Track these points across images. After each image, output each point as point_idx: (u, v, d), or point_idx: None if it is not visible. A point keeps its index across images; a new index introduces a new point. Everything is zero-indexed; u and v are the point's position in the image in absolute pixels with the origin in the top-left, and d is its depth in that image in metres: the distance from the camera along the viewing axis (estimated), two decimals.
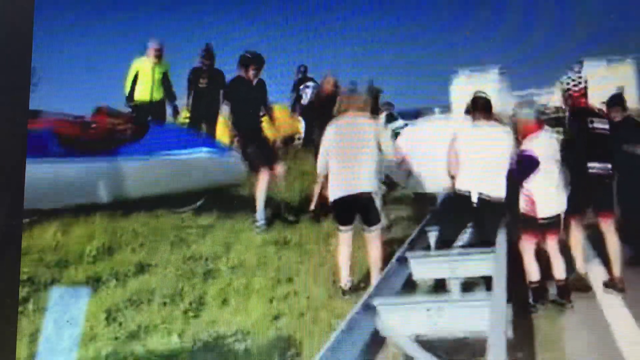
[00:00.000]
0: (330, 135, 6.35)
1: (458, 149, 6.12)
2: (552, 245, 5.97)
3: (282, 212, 7.65)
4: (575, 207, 6.04)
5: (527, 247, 5.97)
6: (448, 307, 4.58)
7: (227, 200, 7.72)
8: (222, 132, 8.63)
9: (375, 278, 5.89)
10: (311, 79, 9.57)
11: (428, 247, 6.46)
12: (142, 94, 8.72)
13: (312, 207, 6.67)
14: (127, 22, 8.26)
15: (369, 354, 4.39)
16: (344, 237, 6.22)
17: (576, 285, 6.10)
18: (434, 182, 6.74)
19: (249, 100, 7.74)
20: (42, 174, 6.68)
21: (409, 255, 5.92)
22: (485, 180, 5.95)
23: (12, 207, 5.05)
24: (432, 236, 6.52)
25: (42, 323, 5.20)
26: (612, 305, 5.82)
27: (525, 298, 5.89)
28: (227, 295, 5.81)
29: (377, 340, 4.53)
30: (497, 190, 5.95)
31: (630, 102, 7.79)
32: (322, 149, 6.39)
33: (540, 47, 8.32)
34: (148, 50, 8.64)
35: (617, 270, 6.09)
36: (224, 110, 8.04)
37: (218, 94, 8.61)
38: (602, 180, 6.15)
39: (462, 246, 6.11)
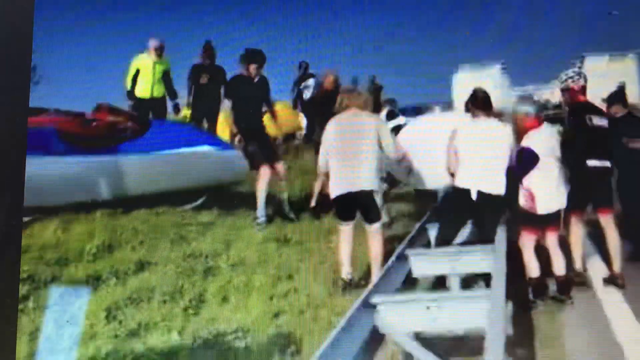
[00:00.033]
0: (331, 132, 6.36)
1: (457, 146, 6.11)
2: (551, 241, 5.98)
3: (283, 209, 7.66)
4: (574, 203, 6.04)
5: (527, 243, 5.97)
6: (447, 304, 4.56)
7: (227, 198, 7.74)
8: (223, 128, 8.65)
9: (375, 274, 5.90)
10: (312, 76, 9.57)
11: (428, 244, 6.45)
12: (143, 90, 8.76)
13: (313, 204, 6.66)
14: (126, 21, 8.29)
15: (368, 352, 4.38)
16: (345, 233, 6.24)
17: (574, 281, 6.10)
18: (435, 179, 6.73)
19: (250, 97, 7.75)
20: (44, 171, 6.72)
21: (409, 252, 5.92)
22: (484, 176, 5.94)
23: (12, 206, 5.06)
24: (432, 233, 6.51)
25: (42, 321, 5.21)
26: (613, 302, 5.82)
27: (525, 294, 5.89)
28: (227, 292, 5.81)
29: (376, 338, 4.52)
30: (497, 186, 5.93)
31: (632, 97, 7.79)
32: (322, 146, 6.40)
33: (542, 43, 8.33)
34: (149, 47, 8.66)
35: (617, 266, 6.09)
36: (225, 107, 8.05)
37: (219, 90, 8.64)
38: (601, 176, 6.14)
39: (462, 243, 6.11)
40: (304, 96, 9.71)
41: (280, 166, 7.76)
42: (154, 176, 7.41)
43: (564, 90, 6.42)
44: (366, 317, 4.53)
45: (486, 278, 5.42)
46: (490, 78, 9.48)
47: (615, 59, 9.46)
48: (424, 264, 5.84)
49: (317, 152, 6.65)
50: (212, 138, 8.42)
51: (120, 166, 7.30)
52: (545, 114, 6.45)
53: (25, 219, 6.62)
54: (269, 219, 7.41)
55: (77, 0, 8.02)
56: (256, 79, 7.80)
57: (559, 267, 5.94)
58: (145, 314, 5.37)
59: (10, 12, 5.21)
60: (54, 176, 6.88)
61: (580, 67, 9.22)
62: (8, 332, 4.78)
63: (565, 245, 6.12)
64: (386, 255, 6.02)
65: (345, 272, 6.18)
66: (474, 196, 5.93)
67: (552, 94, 8.00)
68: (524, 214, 5.97)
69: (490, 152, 5.96)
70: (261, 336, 5.22)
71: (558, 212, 5.96)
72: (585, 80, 6.39)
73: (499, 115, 6.71)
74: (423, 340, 4.48)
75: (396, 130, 7.81)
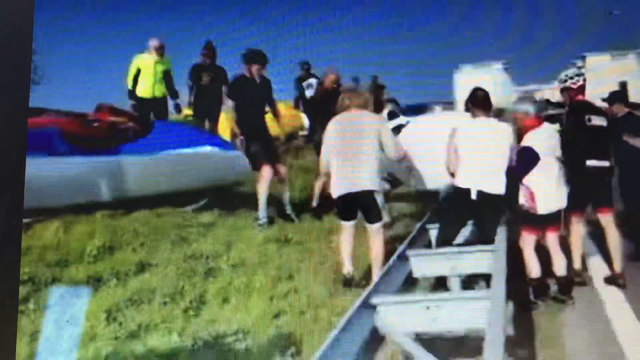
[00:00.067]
0: (332, 132, 6.35)
1: (457, 145, 6.10)
2: (552, 241, 5.97)
3: (284, 210, 7.66)
4: (574, 203, 6.02)
5: (527, 243, 5.95)
6: (447, 304, 4.55)
7: (228, 198, 7.75)
8: (224, 128, 8.66)
9: (376, 274, 5.89)
10: (314, 76, 9.58)
11: (429, 245, 6.44)
12: (144, 90, 8.79)
13: (314, 204, 6.66)
14: (126, 21, 8.30)
15: (368, 352, 4.37)
16: (346, 231, 6.24)
17: (575, 281, 6.10)
18: (436, 179, 6.73)
19: (253, 98, 7.76)
20: (47, 172, 6.73)
21: (409, 253, 5.91)
22: (484, 176, 5.92)
23: (12, 206, 5.06)
24: (433, 233, 6.51)
25: (42, 323, 5.21)
26: (614, 301, 5.81)
27: (526, 295, 5.88)
28: (227, 293, 5.81)
29: (376, 338, 4.51)
30: (497, 186, 5.91)
31: (634, 96, 7.79)
32: (323, 146, 6.39)
33: (544, 42, 8.32)
34: (149, 47, 8.67)
35: (618, 265, 6.09)
36: (227, 107, 8.06)
37: (220, 90, 8.66)
38: (601, 176, 6.14)
39: (463, 243, 6.10)
40: (306, 95, 9.71)
41: (282, 167, 7.77)
42: (156, 177, 7.42)
43: (564, 90, 6.42)
44: (366, 317, 4.52)
45: (487, 278, 5.40)
46: (491, 77, 9.49)
47: (616, 58, 9.46)
48: (425, 264, 5.83)
49: (318, 152, 6.65)
50: (213, 138, 8.42)
51: (122, 167, 7.31)
52: (545, 113, 6.45)
53: (27, 220, 6.65)
54: (270, 220, 7.41)
55: (77, 0, 8.03)
56: (258, 80, 7.79)
57: (559, 267, 5.94)
58: (145, 316, 5.37)
59: (10, 12, 5.21)
60: (56, 177, 6.90)
61: (581, 67, 9.23)
62: (8, 332, 4.77)
63: (565, 245, 6.11)
64: (387, 255, 6.00)
65: (346, 269, 6.19)
66: (474, 196, 5.92)
67: (554, 93, 8.00)
68: (524, 213, 5.96)
69: (490, 152, 5.95)
70: (261, 337, 5.21)
71: (558, 212, 5.94)
72: (585, 80, 6.38)
73: (500, 115, 6.71)
74: (423, 340, 4.48)
75: (397, 129, 7.81)
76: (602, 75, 9.11)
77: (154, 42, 8.61)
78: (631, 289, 5.96)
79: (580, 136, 6.12)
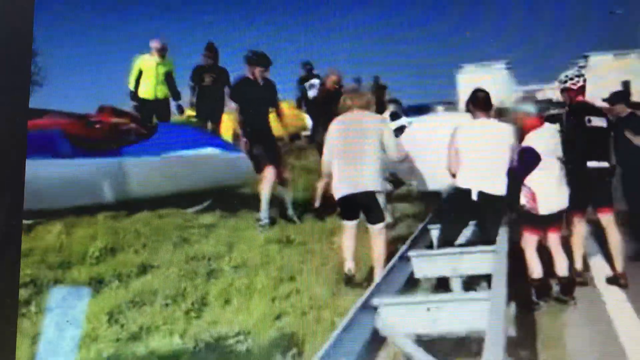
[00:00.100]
0: (334, 133, 6.35)
1: (458, 146, 6.11)
2: (554, 241, 5.95)
3: (286, 211, 7.67)
4: (575, 203, 6.01)
5: (529, 243, 5.94)
6: (448, 306, 4.55)
7: (230, 200, 7.75)
8: (227, 129, 8.67)
9: (378, 275, 5.89)
10: (316, 76, 9.57)
11: (431, 245, 6.45)
12: (147, 91, 8.79)
13: (317, 204, 6.66)
14: (128, 22, 8.30)
15: (370, 353, 4.38)
16: (349, 230, 6.26)
17: (577, 281, 6.09)
18: (438, 179, 6.73)
19: (255, 100, 7.75)
20: (50, 174, 6.75)
21: (411, 253, 5.92)
22: (485, 177, 5.92)
23: (12, 206, 5.07)
24: (435, 234, 6.51)
25: (44, 325, 5.22)
26: (615, 301, 5.80)
27: (528, 295, 5.87)
28: (229, 295, 5.81)
29: (378, 339, 4.52)
30: (498, 187, 5.92)
31: (637, 96, 7.78)
32: (325, 147, 6.39)
33: (547, 41, 8.31)
34: (151, 48, 8.68)
35: (619, 265, 6.07)
36: (230, 109, 8.06)
37: (223, 91, 8.67)
38: (601, 177, 6.12)
39: (464, 244, 6.09)
40: (309, 96, 9.71)
41: (284, 170, 7.78)
42: (159, 179, 7.44)
43: (563, 91, 6.40)
44: (367, 318, 4.53)
45: (489, 279, 5.39)
46: (494, 77, 9.49)
47: (619, 58, 9.45)
48: (426, 265, 5.83)
49: (320, 152, 6.65)
50: (216, 140, 8.43)
51: (126, 169, 7.33)
52: (548, 113, 6.44)
53: (30, 221, 6.67)
54: (272, 221, 7.41)
55: (79, 2, 8.05)
56: (261, 82, 7.79)
57: (561, 267, 5.92)
58: (147, 317, 5.37)
59: (10, 12, 5.23)
60: (60, 179, 6.92)
61: (584, 66, 9.21)
62: (8, 332, 4.79)
63: (567, 246, 6.10)
64: (389, 256, 6.01)
65: (347, 266, 6.20)
66: (474, 197, 5.92)
67: (556, 92, 7.98)
68: (525, 214, 5.95)
69: (491, 153, 5.95)
70: (263, 338, 5.21)
71: (560, 213, 5.93)
72: (585, 81, 6.35)
73: (502, 114, 6.70)
74: (424, 342, 4.48)
75: (400, 130, 7.81)
76: (604, 74, 9.10)
77: (155, 44, 8.61)
78: (633, 288, 5.94)
79: (580, 137, 6.11)
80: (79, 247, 6.33)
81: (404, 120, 8.49)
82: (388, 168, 6.66)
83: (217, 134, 8.84)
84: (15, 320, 4.91)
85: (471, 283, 5.83)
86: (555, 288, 5.93)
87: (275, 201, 7.63)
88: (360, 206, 6.20)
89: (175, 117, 9.09)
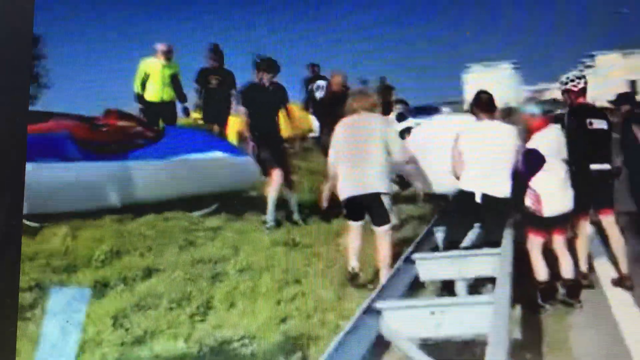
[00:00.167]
0: (339, 135, 6.36)
1: (461, 149, 6.11)
2: (559, 244, 5.92)
3: (291, 213, 7.68)
4: (579, 205, 5.99)
5: (534, 245, 5.91)
6: (452, 309, 4.55)
7: (236, 202, 7.75)
8: (233, 131, 8.70)
9: (383, 277, 5.90)
10: (323, 77, 9.57)
11: (436, 248, 6.45)
12: (153, 94, 8.79)
13: (324, 206, 6.66)
14: (132, 25, 8.31)
15: (373, 356, 4.39)
16: (354, 230, 6.28)
17: (583, 284, 6.07)
18: (443, 182, 6.72)
19: (263, 104, 7.76)
20: (59, 177, 6.77)
21: (416, 256, 5.92)
22: (489, 179, 5.93)
23: (12, 206, 5.09)
24: (440, 236, 6.51)
25: (49, 329, 5.23)
26: (621, 304, 5.77)
27: (533, 298, 5.85)
28: (234, 298, 5.81)
29: (381, 343, 4.52)
30: (502, 188, 5.93)
31: None
32: (331, 149, 6.40)
33: (553, 41, 8.29)
34: (157, 51, 8.69)
35: (624, 267, 6.05)
36: (238, 112, 8.07)
37: (229, 94, 8.68)
38: (603, 179, 6.10)
39: (469, 247, 6.08)
40: (316, 97, 9.71)
41: (291, 175, 7.80)
42: (166, 182, 7.45)
43: (564, 92, 6.37)
44: (371, 321, 4.53)
45: (494, 282, 5.40)
46: (500, 77, 9.48)
47: (626, 57, 9.42)
48: (431, 268, 5.84)
49: (326, 154, 6.65)
50: (224, 143, 8.45)
51: (133, 172, 7.33)
52: (555, 113, 6.42)
53: (36, 225, 6.69)
54: (278, 223, 7.42)
55: (81, 4, 8.07)
56: (269, 87, 7.80)
57: (567, 270, 5.89)
58: (151, 321, 5.37)
59: (10, 12, 5.24)
60: (67, 182, 6.93)
61: (591, 66, 9.20)
62: (8, 332, 4.81)
63: (572, 248, 6.08)
64: (395, 258, 6.02)
65: (352, 265, 6.23)
66: (478, 199, 5.93)
67: None
68: (530, 216, 5.93)
69: (495, 155, 5.96)
70: (268, 342, 5.20)
71: (565, 215, 5.89)
72: (586, 83, 6.32)
73: (509, 115, 6.70)
74: (429, 345, 4.48)
75: (407, 131, 7.81)
76: (611, 73, 9.08)
77: (161, 46, 8.62)
78: (639, 291, 5.92)
79: (581, 139, 6.09)
80: (84, 251, 6.33)
81: (410, 122, 8.48)
82: (394, 170, 6.65)
83: (223, 136, 8.85)
84: (16, 321, 4.93)
85: (476, 286, 5.83)
86: (561, 291, 5.90)
87: (282, 204, 7.63)
88: (365, 207, 6.21)
89: (181, 119, 9.10)
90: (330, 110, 7.53)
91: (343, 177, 6.23)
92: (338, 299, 5.90)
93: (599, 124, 6.14)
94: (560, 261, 5.91)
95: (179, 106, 9.03)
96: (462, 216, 6.19)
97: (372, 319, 4.54)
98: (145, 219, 7.07)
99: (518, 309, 5.55)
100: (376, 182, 6.12)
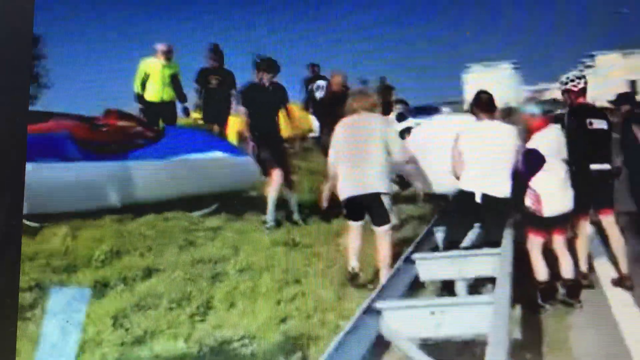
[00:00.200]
0: (339, 135, 6.36)
1: (461, 148, 6.12)
2: (559, 244, 5.92)
3: (293, 214, 7.68)
4: (579, 206, 5.98)
5: (534, 246, 5.91)
6: (452, 309, 4.55)
7: (236, 202, 7.75)
8: (233, 131, 8.70)
9: (383, 277, 5.90)
10: (323, 77, 9.58)
11: (436, 248, 6.45)
12: (153, 94, 8.79)
13: (324, 206, 6.65)
14: (132, 25, 8.32)
15: (373, 357, 4.39)
16: (354, 230, 6.28)
17: (583, 284, 6.07)
18: (443, 182, 6.72)
19: (264, 104, 7.76)
20: (59, 177, 6.77)
21: (416, 256, 5.92)
22: (489, 179, 5.94)
23: (12, 206, 5.09)
24: (440, 236, 6.51)
25: (49, 329, 5.23)
26: (621, 304, 5.77)
27: (533, 298, 5.85)
28: (234, 298, 5.81)
29: (381, 343, 4.52)
30: (502, 189, 5.93)
31: None
32: (331, 149, 6.40)
33: (554, 41, 8.29)
34: (157, 51, 8.69)
35: (624, 267, 6.05)
36: (239, 112, 8.07)
37: (229, 93, 8.68)
38: (603, 179, 6.09)
39: (469, 247, 6.08)
40: (316, 97, 9.71)
41: (291, 175, 7.80)
42: (167, 183, 7.45)
43: (564, 92, 6.37)
44: (371, 321, 4.53)
45: (495, 282, 5.40)
46: (501, 77, 9.48)
47: (626, 56, 9.42)
48: (431, 268, 5.84)
49: (325, 154, 6.65)
50: (224, 143, 8.45)
51: (134, 172, 7.33)
52: (556, 113, 6.42)
53: (36, 225, 6.70)
54: (278, 223, 7.42)
55: (81, 3, 8.08)
56: (269, 87, 7.81)
57: (567, 270, 5.88)
58: (151, 321, 5.37)
59: (10, 12, 5.24)
60: (68, 182, 6.93)
61: (591, 65, 9.19)
62: (8, 332, 4.81)
63: (572, 248, 6.07)
64: (395, 258, 6.02)
65: (351, 265, 6.23)
66: (478, 199, 5.93)
67: None
68: (530, 216, 5.92)
69: (494, 155, 5.96)
70: (268, 342, 5.20)
71: (565, 215, 5.89)
72: (586, 83, 6.31)
73: (510, 114, 6.70)
74: (429, 345, 4.48)
75: (407, 131, 7.81)
76: (611, 73, 9.08)
77: (161, 46, 8.62)
78: (639, 291, 5.92)
79: (581, 139, 6.08)
80: (84, 251, 6.33)
81: (410, 122, 8.48)
82: (394, 170, 6.64)
83: (223, 136, 8.85)
84: (16, 321, 4.93)
85: (477, 286, 5.83)
86: (561, 291, 5.89)
87: (282, 204, 7.63)
88: (365, 207, 6.21)
89: (181, 119, 9.11)
90: (330, 110, 7.52)
91: (343, 177, 6.23)
92: (338, 299, 5.89)
93: (599, 124, 6.14)
94: (560, 261, 5.91)
95: (179, 106, 9.03)
96: (462, 216, 6.20)
97: (372, 319, 4.54)
98: (145, 219, 7.07)
99: (518, 309, 5.54)
100: (376, 182, 6.11)
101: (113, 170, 7.28)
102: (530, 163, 5.89)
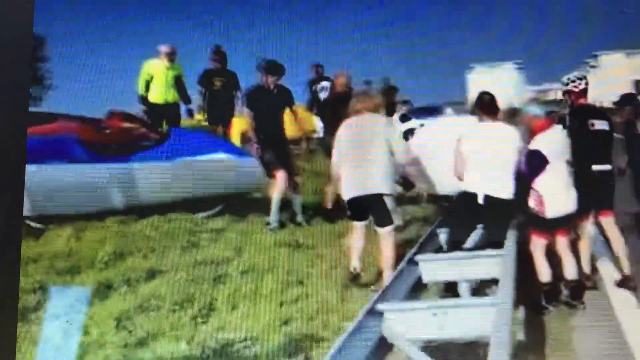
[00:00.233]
0: (343, 136, 6.37)
1: (463, 150, 6.11)
2: (562, 245, 5.91)
3: (296, 216, 7.68)
4: (582, 207, 5.97)
5: (538, 247, 5.90)
6: (454, 311, 4.54)
7: (239, 204, 7.75)
8: (236, 133, 8.71)
9: (386, 278, 5.89)
10: (327, 78, 9.58)
11: (440, 249, 6.44)
12: (157, 96, 8.80)
13: (330, 206, 6.65)
14: (135, 26, 8.32)
15: (376, 358, 4.39)
16: (357, 230, 6.30)
17: (586, 285, 6.06)
18: (447, 183, 6.71)
19: (269, 107, 7.77)
20: (66, 179, 6.79)
21: (419, 258, 5.92)
22: (491, 180, 5.93)
23: (12, 206, 5.09)
24: (443, 238, 6.51)
25: (52, 331, 5.23)
26: (624, 305, 5.76)
27: (537, 299, 5.84)
28: (236, 300, 5.80)
29: (384, 345, 4.52)
30: (504, 190, 5.92)
31: None
32: (334, 150, 6.41)
33: (557, 41, 8.28)
34: (160, 53, 8.71)
35: (626, 268, 6.03)
36: (244, 113, 8.09)
37: (232, 95, 8.70)
38: (604, 180, 6.08)
39: (472, 248, 6.07)
40: (320, 98, 9.72)
41: (296, 177, 7.81)
42: (171, 184, 7.47)
43: (565, 93, 6.36)
44: (374, 323, 4.53)
45: (498, 283, 5.40)
46: (505, 77, 9.47)
47: (630, 57, 9.40)
48: (434, 269, 5.83)
49: (329, 155, 6.66)
50: (228, 145, 8.46)
51: (139, 174, 7.34)
52: (560, 113, 6.41)
53: (40, 226, 6.72)
54: (281, 224, 7.43)
55: (82, 4, 8.09)
56: (274, 90, 7.81)
57: (570, 271, 5.87)
58: (154, 323, 5.37)
59: (10, 12, 5.25)
60: (75, 184, 6.96)
61: (595, 66, 9.18)
62: (8, 332, 4.81)
63: (575, 249, 6.06)
64: (398, 259, 6.02)
65: (353, 265, 6.25)
66: (481, 200, 5.93)
67: None
68: (533, 217, 5.92)
69: (497, 156, 5.95)
70: (270, 344, 5.20)
71: (568, 216, 5.88)
72: (587, 84, 6.29)
73: (514, 115, 6.69)
74: (432, 347, 4.48)
75: (410, 132, 7.81)
76: (615, 73, 9.06)
77: (165, 48, 8.63)
78: None
79: (583, 140, 6.07)
80: (88, 252, 6.35)
81: (414, 122, 8.47)
82: (398, 171, 6.64)
83: (227, 138, 8.86)
84: (16, 320, 4.94)
85: (481, 287, 5.82)
86: (565, 292, 5.88)
87: (285, 205, 7.63)
88: (368, 208, 6.21)
89: (185, 121, 9.12)
90: (334, 111, 7.52)
91: (346, 178, 6.25)
92: (341, 301, 5.89)
93: (601, 124, 6.12)
94: (563, 262, 5.90)
95: (182, 108, 9.05)
96: (464, 217, 6.19)
97: (374, 320, 4.54)
98: (148, 221, 7.09)
99: (521, 311, 5.52)
100: (379, 182, 6.11)
101: (117, 172, 7.30)
102: (532, 164, 5.87)
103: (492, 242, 5.91)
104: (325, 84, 9.55)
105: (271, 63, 7.78)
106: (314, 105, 9.78)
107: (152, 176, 7.39)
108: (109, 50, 8.24)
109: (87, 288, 5.78)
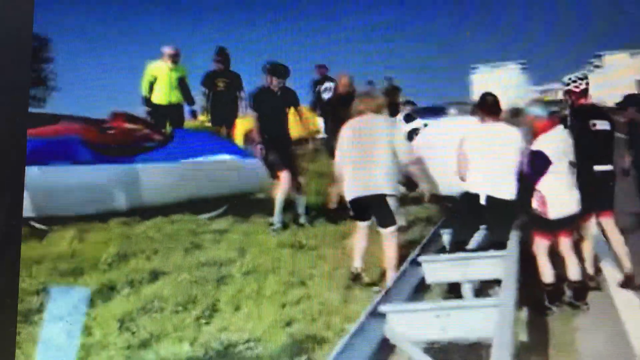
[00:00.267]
0: (346, 136, 6.38)
1: (466, 151, 6.11)
2: (565, 246, 5.90)
3: (299, 217, 7.68)
4: (583, 208, 5.96)
5: (541, 248, 5.89)
6: (457, 312, 4.54)
7: (242, 205, 7.76)
8: (240, 134, 8.72)
9: (389, 279, 5.89)
10: (331, 79, 9.57)
11: (443, 250, 6.43)
12: (160, 97, 8.80)
13: (334, 206, 6.66)
14: (137, 27, 8.33)
15: (379, 359, 4.39)
16: (361, 230, 6.31)
17: (589, 286, 6.05)
18: (450, 183, 6.70)
19: (273, 108, 7.78)
20: (70, 180, 6.80)
21: (422, 258, 5.91)
22: (493, 181, 5.93)
23: (12, 206, 5.10)
24: (446, 239, 6.50)
25: (55, 332, 5.24)
26: (628, 305, 5.74)
27: (540, 300, 5.83)
28: (239, 301, 5.80)
29: (387, 346, 4.52)
30: (506, 191, 5.92)
31: None
32: (337, 151, 6.41)
33: (561, 41, 8.26)
34: (164, 54, 8.71)
35: (629, 268, 6.02)
36: (248, 115, 8.10)
37: (236, 96, 8.70)
38: (606, 181, 6.07)
39: (475, 249, 6.07)
40: (323, 98, 9.71)
41: (300, 178, 7.81)
42: (175, 185, 7.47)
43: (566, 93, 6.35)
44: (377, 324, 4.54)
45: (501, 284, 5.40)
46: (509, 77, 9.45)
47: (634, 56, 9.37)
48: (437, 270, 5.83)
49: (333, 155, 6.66)
50: (231, 146, 8.46)
51: (143, 176, 7.36)
52: (563, 114, 6.40)
53: (45, 227, 6.73)
54: (284, 225, 7.43)
55: (87, 7, 8.10)
56: (279, 92, 7.82)
57: (573, 272, 5.86)
58: (157, 324, 5.37)
59: (10, 12, 5.26)
60: (79, 185, 6.97)
61: (599, 66, 9.16)
62: (8, 332, 4.82)
63: (578, 250, 6.05)
64: (401, 260, 6.01)
65: (355, 265, 6.26)
66: (483, 201, 5.93)
67: None
68: (536, 218, 5.91)
69: (499, 157, 5.95)
70: (273, 345, 5.20)
71: (571, 217, 5.87)
72: (587, 84, 6.28)
73: (517, 115, 6.68)
74: (434, 348, 4.48)
75: (414, 132, 7.80)
76: (619, 73, 9.04)
77: (168, 50, 8.64)
78: None
79: (584, 140, 6.06)
80: (91, 254, 6.35)
81: (417, 123, 8.47)
82: (402, 171, 6.63)
83: (231, 139, 8.87)
84: (15, 320, 4.95)
85: (484, 288, 5.82)
86: (568, 293, 5.87)
87: (289, 206, 7.63)
88: (370, 208, 6.20)
89: (188, 122, 9.12)
90: (338, 111, 7.53)
91: (348, 178, 6.26)
92: (344, 302, 5.88)
93: (602, 125, 6.11)
94: (566, 263, 5.89)
95: (186, 109, 9.05)
96: (467, 218, 6.19)
97: (377, 322, 4.55)
98: (152, 222, 7.10)
99: (524, 311, 5.52)
100: (381, 183, 6.12)
101: (121, 174, 7.31)
102: (535, 165, 5.87)
103: (495, 242, 5.91)
104: (328, 84, 9.53)
105: (276, 65, 7.79)
106: (317, 105, 9.76)
107: (155, 177, 7.40)
108: (113, 51, 8.24)
109: (90, 289, 5.79)
